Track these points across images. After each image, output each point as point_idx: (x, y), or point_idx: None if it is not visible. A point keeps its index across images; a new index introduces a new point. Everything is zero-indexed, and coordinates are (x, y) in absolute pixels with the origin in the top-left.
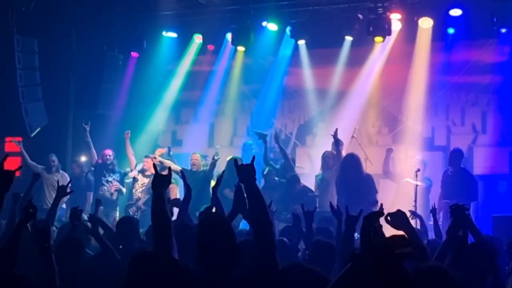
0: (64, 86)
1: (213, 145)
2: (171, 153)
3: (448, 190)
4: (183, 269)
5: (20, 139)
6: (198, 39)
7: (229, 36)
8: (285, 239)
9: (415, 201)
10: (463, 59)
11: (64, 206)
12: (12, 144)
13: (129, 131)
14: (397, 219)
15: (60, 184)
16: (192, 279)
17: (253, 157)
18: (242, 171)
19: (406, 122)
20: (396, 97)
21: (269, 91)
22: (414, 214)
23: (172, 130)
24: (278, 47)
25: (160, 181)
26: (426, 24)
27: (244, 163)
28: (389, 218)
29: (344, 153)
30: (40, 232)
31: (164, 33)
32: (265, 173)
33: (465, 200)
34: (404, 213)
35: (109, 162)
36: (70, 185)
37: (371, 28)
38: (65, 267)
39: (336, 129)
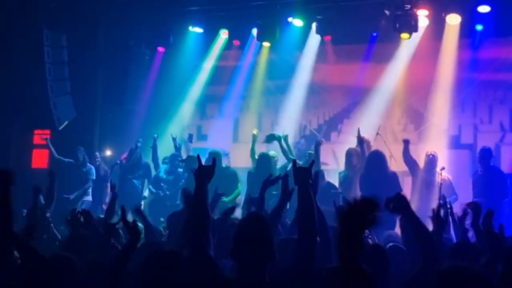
0: (91, 81)
1: (238, 140)
2: (192, 141)
3: (480, 190)
4: (216, 269)
5: (48, 135)
6: (224, 34)
7: (254, 31)
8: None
9: (440, 198)
10: (491, 56)
11: (90, 198)
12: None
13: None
14: (396, 203)
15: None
16: (224, 280)
17: (313, 161)
18: (299, 173)
19: (432, 120)
20: (422, 94)
21: (294, 87)
22: (442, 206)
23: (198, 124)
24: (304, 43)
25: (204, 172)
26: (453, 20)
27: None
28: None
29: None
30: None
31: (190, 28)
32: (288, 169)
33: (497, 198)
34: (403, 197)
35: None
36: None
37: (397, 25)
38: None
39: (358, 129)
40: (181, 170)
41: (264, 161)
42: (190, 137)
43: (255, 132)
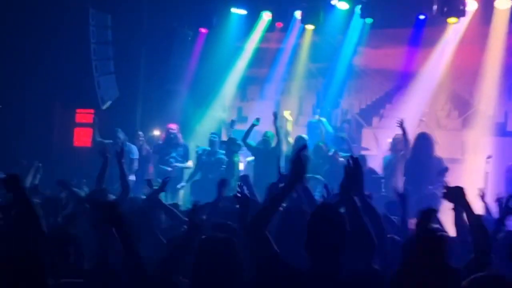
0: (135, 61)
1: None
2: (234, 127)
3: None
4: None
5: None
6: (266, 16)
7: (298, 14)
8: None
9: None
10: None
11: (133, 177)
12: (83, 115)
13: None
14: (454, 193)
15: (130, 156)
16: (294, 271)
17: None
18: (450, 194)
19: (477, 106)
20: (468, 80)
21: (337, 70)
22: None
23: (238, 106)
24: (348, 26)
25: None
26: (503, 5)
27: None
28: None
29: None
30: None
31: (233, 9)
32: (330, 154)
33: None
34: (462, 189)
35: (172, 136)
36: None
37: (445, 9)
38: None
39: (402, 120)
40: (222, 152)
41: (300, 144)
42: (232, 123)
43: (287, 116)
